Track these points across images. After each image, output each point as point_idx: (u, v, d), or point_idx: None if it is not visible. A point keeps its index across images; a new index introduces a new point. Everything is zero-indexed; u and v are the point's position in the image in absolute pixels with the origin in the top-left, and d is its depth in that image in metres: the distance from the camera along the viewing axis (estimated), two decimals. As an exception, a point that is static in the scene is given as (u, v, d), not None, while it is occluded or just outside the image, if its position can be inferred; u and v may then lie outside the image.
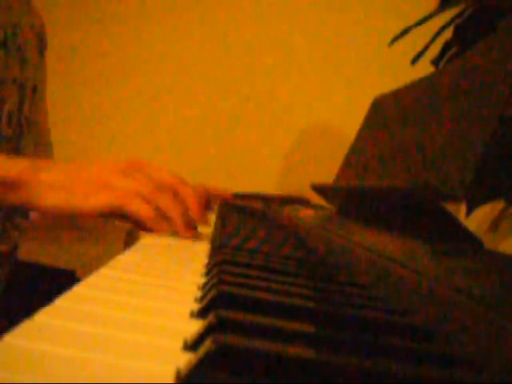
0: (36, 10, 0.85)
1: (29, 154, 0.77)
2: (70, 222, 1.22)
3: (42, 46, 0.86)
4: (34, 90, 0.81)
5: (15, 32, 0.75)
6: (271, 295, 0.29)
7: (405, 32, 0.84)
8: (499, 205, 0.60)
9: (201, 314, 0.27)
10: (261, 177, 1.37)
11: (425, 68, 0.77)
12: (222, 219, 0.80)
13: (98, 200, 0.55)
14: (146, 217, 0.55)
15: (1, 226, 0.76)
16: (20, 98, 0.76)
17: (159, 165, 0.60)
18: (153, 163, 0.60)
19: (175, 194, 0.57)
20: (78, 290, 0.30)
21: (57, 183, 0.56)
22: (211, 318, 0.23)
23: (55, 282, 0.91)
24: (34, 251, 1.12)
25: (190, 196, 0.58)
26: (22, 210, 0.75)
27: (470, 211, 0.41)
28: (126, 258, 0.43)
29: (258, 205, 1.08)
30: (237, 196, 1.10)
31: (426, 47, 0.83)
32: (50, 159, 0.89)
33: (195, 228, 0.59)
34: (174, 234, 0.57)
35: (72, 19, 1.36)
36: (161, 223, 0.56)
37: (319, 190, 0.75)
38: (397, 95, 0.69)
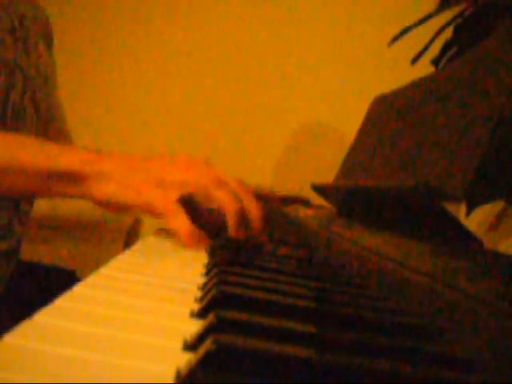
0: (40, 5, 0.85)
1: None
2: (69, 222, 1.22)
3: (48, 39, 0.86)
4: (43, 80, 0.81)
5: (22, 22, 0.76)
6: (271, 295, 0.29)
7: (405, 32, 0.84)
8: (499, 205, 0.60)
9: (201, 314, 0.27)
10: (261, 177, 1.37)
11: (425, 68, 0.77)
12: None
13: (149, 197, 0.54)
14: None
15: (7, 218, 0.76)
16: (23, 87, 0.76)
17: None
18: (216, 166, 0.59)
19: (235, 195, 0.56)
20: (78, 290, 0.30)
21: (113, 175, 0.56)
22: (211, 317, 0.23)
23: (55, 281, 0.91)
24: (34, 251, 1.12)
25: (253, 206, 0.57)
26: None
27: (469, 211, 0.41)
28: (126, 258, 0.43)
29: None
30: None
31: (426, 47, 0.83)
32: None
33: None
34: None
35: (77, 16, 1.36)
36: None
37: (319, 190, 0.75)
38: (397, 95, 0.69)
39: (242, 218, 0.55)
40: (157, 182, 0.55)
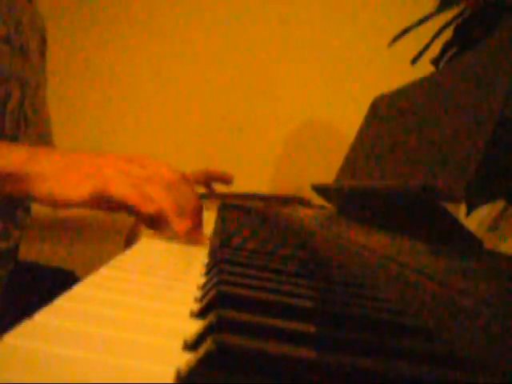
0: (39, 12, 0.85)
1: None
2: (69, 223, 1.22)
3: (43, 47, 0.86)
4: (37, 88, 0.82)
5: (18, 30, 0.76)
6: (271, 295, 0.29)
7: (405, 32, 0.84)
8: (499, 205, 0.60)
9: (201, 314, 0.27)
10: (260, 177, 1.37)
11: (425, 68, 0.77)
12: (222, 219, 0.80)
13: (84, 188, 0.54)
14: (129, 197, 0.53)
15: (2, 223, 0.76)
16: (21, 95, 0.76)
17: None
18: (156, 159, 0.58)
19: (169, 188, 0.55)
20: (77, 290, 0.30)
21: (50, 173, 0.56)
22: (211, 317, 0.23)
23: (55, 281, 0.91)
24: (34, 251, 1.12)
25: (189, 196, 0.57)
26: (22, 201, 0.74)
27: (469, 211, 0.41)
28: (126, 257, 0.43)
29: (257, 205, 1.08)
30: (237, 196, 1.10)
31: (426, 47, 0.83)
32: (49, 146, 0.89)
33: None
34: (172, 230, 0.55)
35: (75, 16, 1.36)
36: (147, 205, 0.53)
37: (319, 189, 0.75)
38: (397, 95, 0.69)
39: (180, 210, 0.55)
40: (92, 173, 0.55)
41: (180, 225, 0.54)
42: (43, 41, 0.87)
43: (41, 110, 0.83)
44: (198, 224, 0.58)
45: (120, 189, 0.54)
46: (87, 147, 0.72)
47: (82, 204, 0.55)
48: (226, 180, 0.83)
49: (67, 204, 0.56)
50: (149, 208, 0.53)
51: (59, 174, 0.56)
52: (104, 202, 0.55)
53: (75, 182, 0.55)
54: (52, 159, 0.57)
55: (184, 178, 0.58)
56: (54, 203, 0.57)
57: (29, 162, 0.56)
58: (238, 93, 1.37)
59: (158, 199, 0.54)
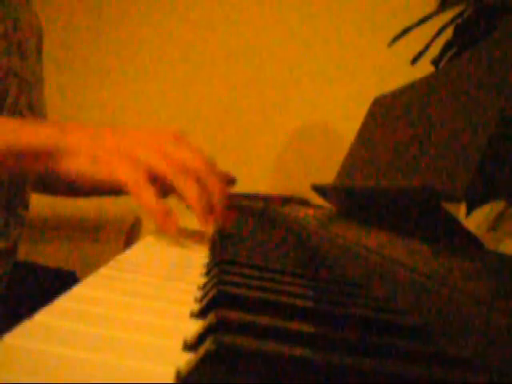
0: (35, 11, 0.85)
1: None
2: (69, 223, 1.22)
3: (39, 45, 0.87)
4: (34, 86, 0.82)
5: (15, 27, 0.76)
6: (271, 295, 0.29)
7: (405, 32, 0.84)
8: (499, 205, 0.60)
9: (201, 314, 0.27)
10: (260, 177, 1.37)
11: (425, 68, 0.77)
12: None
13: (119, 173, 0.52)
14: (131, 184, 0.51)
15: (4, 219, 0.76)
16: (18, 92, 0.76)
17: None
18: (191, 143, 0.57)
19: (198, 180, 0.54)
20: (77, 290, 0.30)
21: (81, 148, 0.54)
22: (211, 317, 0.23)
23: (55, 281, 0.91)
24: (34, 251, 1.12)
25: (217, 189, 0.55)
26: (22, 199, 0.74)
27: (470, 211, 0.41)
28: (126, 258, 0.43)
29: (257, 205, 1.08)
30: (237, 196, 1.10)
31: (426, 47, 0.83)
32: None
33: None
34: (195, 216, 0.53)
35: (72, 11, 1.36)
36: (143, 192, 0.51)
37: (319, 189, 0.75)
38: (397, 95, 0.69)
39: (208, 206, 0.54)
40: (126, 158, 0.53)
41: (204, 223, 0.53)
42: (40, 39, 0.87)
43: (37, 107, 0.84)
44: (224, 218, 0.57)
45: (131, 173, 0.52)
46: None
47: (113, 186, 0.53)
48: (229, 181, 0.83)
49: (93, 182, 0.54)
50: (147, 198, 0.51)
51: (90, 149, 0.53)
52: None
53: (107, 161, 0.53)
54: (80, 133, 0.55)
55: (213, 169, 0.57)
56: (83, 180, 0.54)
57: (55, 137, 0.54)
58: (237, 93, 1.37)
59: (185, 194, 0.53)
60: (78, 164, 0.53)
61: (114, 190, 0.55)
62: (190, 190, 0.53)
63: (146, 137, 0.55)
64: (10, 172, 0.62)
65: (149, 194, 0.50)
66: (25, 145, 0.54)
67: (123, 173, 0.52)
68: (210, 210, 0.54)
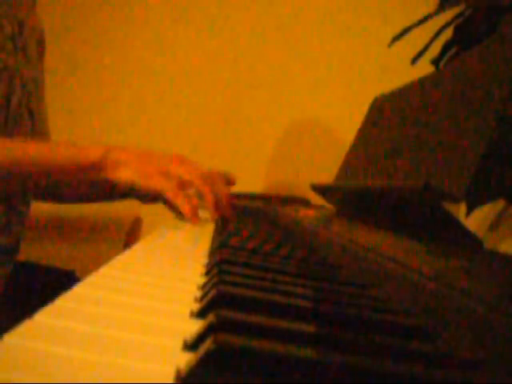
0: (39, 16, 0.86)
1: None
2: (69, 222, 1.22)
3: (41, 47, 0.87)
4: (36, 88, 0.82)
5: (21, 30, 0.76)
6: (271, 295, 0.29)
7: (405, 32, 0.84)
8: (499, 205, 0.60)
9: (201, 313, 0.27)
10: (260, 177, 1.37)
11: (425, 68, 0.77)
12: (223, 219, 0.80)
13: (160, 184, 0.70)
14: (178, 200, 0.70)
15: (5, 216, 0.76)
16: (21, 93, 0.77)
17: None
18: (194, 160, 0.76)
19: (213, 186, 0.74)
20: (77, 290, 0.30)
21: (129, 163, 0.71)
22: (211, 317, 0.23)
23: (55, 281, 0.91)
24: (34, 251, 1.12)
25: (223, 191, 0.77)
26: (25, 194, 0.82)
27: (470, 211, 0.41)
28: (126, 257, 0.43)
29: (257, 205, 1.08)
30: (237, 196, 1.10)
31: (426, 47, 0.83)
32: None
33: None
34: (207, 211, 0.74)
35: (73, 17, 1.36)
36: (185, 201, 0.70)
37: (319, 189, 0.75)
38: (397, 95, 0.69)
39: (217, 202, 0.75)
40: (164, 172, 0.71)
41: (214, 215, 0.74)
42: (42, 42, 0.87)
43: (38, 109, 0.84)
44: (230, 214, 0.79)
45: (173, 195, 0.70)
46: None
47: (153, 195, 0.74)
48: (228, 181, 0.85)
49: (136, 191, 0.73)
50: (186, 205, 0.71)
51: (136, 163, 0.71)
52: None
53: (150, 174, 0.70)
54: (126, 151, 0.72)
55: (218, 176, 0.79)
56: (129, 187, 0.71)
57: (106, 154, 0.71)
58: (237, 93, 1.37)
59: (207, 196, 0.73)
60: (127, 175, 0.71)
61: (125, 195, 0.79)
62: (208, 194, 0.73)
63: (170, 157, 0.74)
64: (73, 179, 0.78)
65: (185, 200, 0.70)
66: (88, 161, 0.71)
67: (163, 184, 0.70)
68: (218, 207, 0.75)
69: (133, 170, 0.70)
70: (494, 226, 0.56)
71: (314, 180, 0.77)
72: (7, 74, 0.73)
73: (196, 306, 0.29)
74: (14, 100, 0.75)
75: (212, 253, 0.48)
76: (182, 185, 0.71)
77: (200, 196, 0.75)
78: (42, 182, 0.76)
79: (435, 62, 0.84)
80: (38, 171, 0.69)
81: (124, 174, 0.70)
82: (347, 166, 0.75)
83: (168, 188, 0.70)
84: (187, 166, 0.73)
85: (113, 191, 0.83)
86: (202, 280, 0.36)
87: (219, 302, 0.28)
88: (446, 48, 0.83)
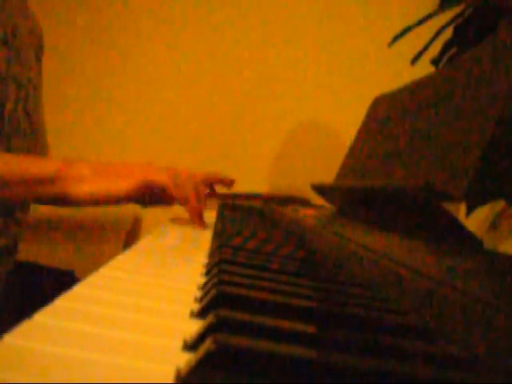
0: (35, 17, 0.85)
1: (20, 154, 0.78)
2: (69, 222, 1.22)
3: (39, 51, 0.87)
4: (33, 91, 0.82)
5: (14, 33, 0.76)
6: (271, 295, 0.29)
7: (405, 32, 0.84)
8: (499, 205, 0.60)
9: (201, 314, 0.27)
10: (260, 177, 1.37)
11: (425, 68, 0.77)
12: (223, 219, 0.80)
13: (128, 182, 0.67)
14: (167, 183, 0.68)
15: (2, 220, 0.76)
16: (17, 97, 0.77)
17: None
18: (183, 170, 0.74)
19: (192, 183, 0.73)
20: (77, 290, 0.30)
21: (89, 175, 0.67)
22: (211, 318, 0.23)
23: (55, 281, 0.91)
24: (34, 251, 1.12)
25: (202, 190, 0.76)
26: (57, 203, 0.81)
27: (469, 211, 0.41)
28: (126, 257, 0.43)
29: (257, 205, 1.08)
30: (237, 196, 1.10)
31: (426, 47, 0.83)
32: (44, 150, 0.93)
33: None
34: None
35: (71, 17, 1.36)
36: (179, 191, 0.70)
37: (319, 189, 0.75)
38: (397, 95, 0.69)
39: (198, 206, 0.74)
40: (128, 173, 0.68)
41: (199, 207, 0.74)
42: (40, 46, 0.87)
43: (35, 113, 0.84)
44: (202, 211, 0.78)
45: (159, 176, 0.69)
46: (84, 150, 0.74)
47: (127, 197, 0.68)
48: (226, 183, 0.85)
49: (111, 199, 0.68)
50: (180, 193, 0.71)
51: (97, 174, 0.67)
52: (145, 190, 0.69)
53: (115, 179, 0.67)
54: (88, 165, 0.68)
55: (198, 182, 0.77)
56: (96, 201, 0.67)
57: (67, 167, 0.66)
58: (237, 93, 1.37)
59: (185, 188, 0.72)
60: (89, 187, 0.67)
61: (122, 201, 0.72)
62: (188, 197, 0.73)
63: (145, 165, 0.72)
64: (31, 198, 0.73)
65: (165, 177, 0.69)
66: (46, 174, 0.66)
67: (133, 182, 0.67)
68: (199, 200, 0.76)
69: (96, 181, 0.67)
70: (494, 226, 0.56)
71: (314, 180, 0.77)
72: (0, 77, 0.73)
73: (196, 306, 0.29)
74: (9, 104, 0.75)
75: (212, 253, 0.48)
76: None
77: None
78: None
79: (435, 62, 0.84)
80: None
81: (87, 188, 0.66)
82: (347, 166, 0.75)
83: (140, 177, 0.68)
84: (162, 169, 0.72)
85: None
86: (202, 280, 0.36)
87: (219, 302, 0.27)
88: (445, 48, 0.83)
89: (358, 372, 0.19)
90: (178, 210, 0.79)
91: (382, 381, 0.19)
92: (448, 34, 0.85)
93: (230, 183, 0.86)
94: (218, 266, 0.37)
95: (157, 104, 1.38)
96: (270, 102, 1.37)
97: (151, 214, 1.11)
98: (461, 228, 0.40)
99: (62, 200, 0.68)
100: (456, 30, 0.83)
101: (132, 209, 1.24)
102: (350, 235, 0.47)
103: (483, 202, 0.42)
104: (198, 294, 0.32)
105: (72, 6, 1.36)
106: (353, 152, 0.76)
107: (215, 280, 0.32)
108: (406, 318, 0.29)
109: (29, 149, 0.80)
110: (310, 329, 0.25)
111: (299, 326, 0.24)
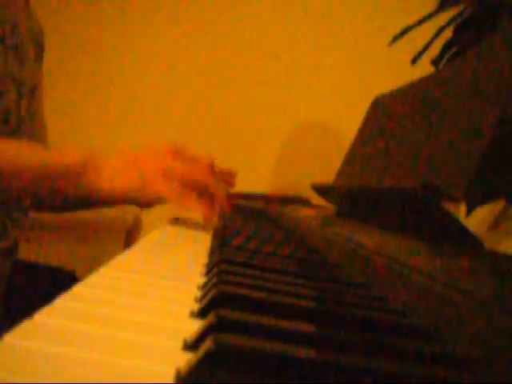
0: (35, 15, 0.85)
1: None
2: (69, 222, 1.22)
3: (39, 49, 0.87)
4: (34, 90, 0.82)
5: (13, 30, 0.76)
6: (271, 295, 0.29)
7: (405, 32, 0.84)
8: (499, 205, 0.60)
9: (201, 313, 0.27)
10: (261, 177, 1.37)
11: (425, 68, 0.77)
12: (223, 219, 0.80)
13: (159, 188, 0.64)
14: (169, 196, 0.64)
15: (0, 223, 0.76)
16: (18, 96, 0.76)
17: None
18: (189, 152, 0.70)
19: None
20: (78, 290, 0.30)
21: (117, 169, 0.65)
22: (211, 317, 0.23)
23: (55, 281, 0.91)
24: (34, 251, 1.12)
25: (218, 187, 0.69)
26: (18, 201, 0.79)
27: (469, 211, 0.41)
28: (126, 257, 0.43)
29: (258, 205, 1.08)
30: (237, 196, 1.10)
31: (426, 47, 0.83)
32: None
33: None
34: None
35: (71, 17, 1.36)
36: (184, 199, 0.64)
37: (319, 190, 0.75)
38: (397, 95, 0.69)
39: (212, 203, 0.67)
40: (162, 172, 0.64)
41: (227, 209, 0.70)
42: (40, 45, 0.87)
43: (36, 111, 0.84)
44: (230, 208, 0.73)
45: (157, 187, 0.64)
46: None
47: (154, 203, 0.69)
48: (228, 182, 0.84)
49: (136, 201, 0.67)
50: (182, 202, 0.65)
51: (126, 169, 0.65)
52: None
53: (130, 177, 0.64)
54: (113, 156, 0.66)
55: (212, 171, 0.72)
56: (122, 198, 0.66)
57: (86, 161, 0.64)
58: (237, 93, 1.37)
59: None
60: (104, 181, 0.64)
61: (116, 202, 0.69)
62: (218, 189, 0.68)
63: (162, 152, 0.67)
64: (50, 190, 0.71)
65: (192, 202, 0.65)
66: (65, 167, 0.65)
67: (165, 189, 0.64)
68: (212, 205, 0.68)
69: (110, 175, 0.64)
70: (494, 225, 0.56)
71: (314, 180, 0.77)
72: None
73: (196, 306, 0.29)
74: (10, 104, 0.75)
75: (212, 253, 0.48)
76: (185, 183, 0.65)
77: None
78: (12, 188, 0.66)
79: (435, 62, 0.84)
80: (9, 172, 0.62)
81: (100, 181, 0.64)
82: (347, 166, 0.75)
83: (171, 192, 0.64)
84: (185, 160, 0.67)
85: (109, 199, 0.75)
86: (202, 280, 0.36)
87: (219, 302, 0.27)
88: (445, 48, 0.83)
89: (358, 372, 0.19)
90: (177, 210, 0.78)
91: (382, 381, 0.19)
92: (448, 33, 0.85)
93: (231, 183, 0.85)
94: (218, 266, 0.37)
95: (157, 105, 1.38)
96: (270, 102, 1.37)
97: (151, 214, 1.11)
98: (461, 228, 0.40)
99: (86, 197, 0.66)
100: (456, 30, 0.83)
101: (132, 209, 1.24)
102: (349, 235, 0.47)
103: (483, 201, 0.42)
104: (198, 293, 0.32)
105: (72, 4, 1.36)
106: (353, 152, 0.76)
107: (215, 280, 0.32)
108: (406, 318, 0.29)
109: None
110: (310, 329, 0.25)
111: (299, 326, 0.24)
